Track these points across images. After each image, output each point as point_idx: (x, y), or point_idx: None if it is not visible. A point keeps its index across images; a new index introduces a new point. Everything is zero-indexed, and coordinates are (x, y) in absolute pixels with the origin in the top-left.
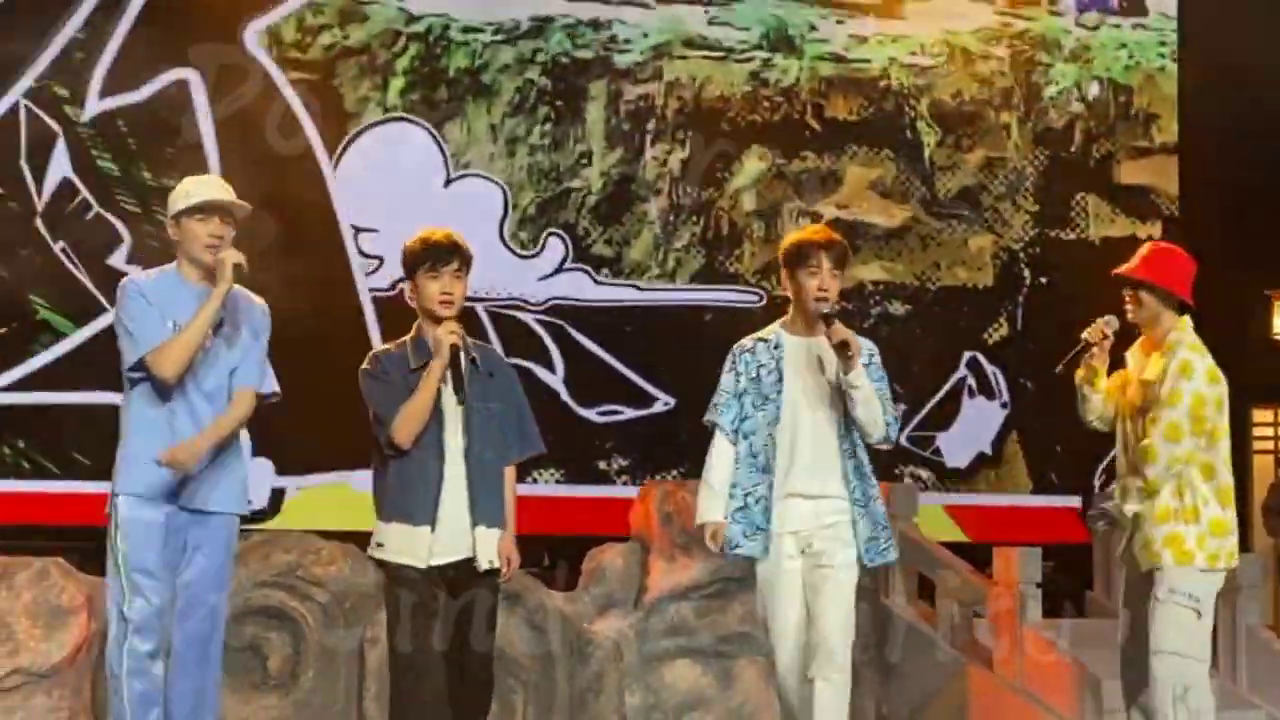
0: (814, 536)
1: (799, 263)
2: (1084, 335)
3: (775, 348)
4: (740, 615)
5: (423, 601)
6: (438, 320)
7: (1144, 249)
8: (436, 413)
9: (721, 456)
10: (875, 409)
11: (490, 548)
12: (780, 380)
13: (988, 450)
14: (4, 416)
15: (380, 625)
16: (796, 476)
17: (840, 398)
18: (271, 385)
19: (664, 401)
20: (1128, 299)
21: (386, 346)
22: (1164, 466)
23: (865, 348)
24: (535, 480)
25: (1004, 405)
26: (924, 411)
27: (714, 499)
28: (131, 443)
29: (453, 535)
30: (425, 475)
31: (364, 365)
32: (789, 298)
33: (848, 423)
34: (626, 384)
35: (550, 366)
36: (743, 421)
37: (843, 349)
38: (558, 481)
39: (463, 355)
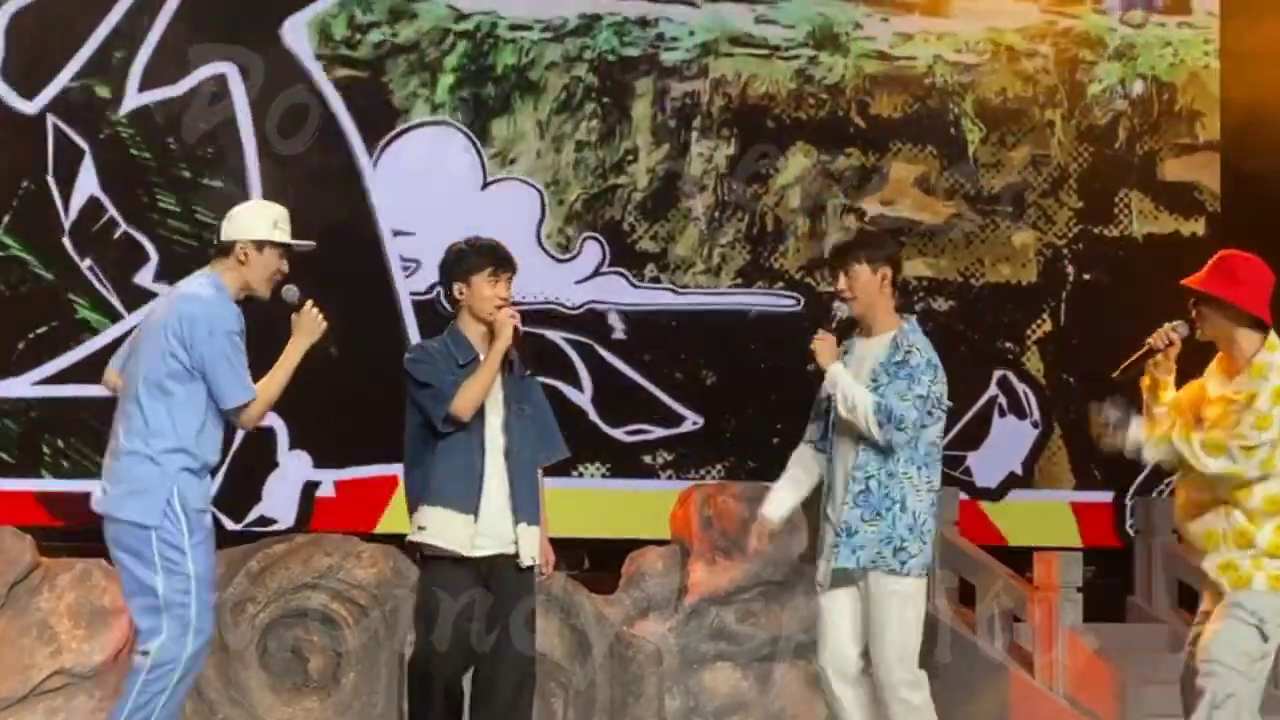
0: None
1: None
2: (1149, 340)
3: (845, 354)
4: (780, 620)
5: (457, 590)
6: (483, 322)
7: (1215, 258)
8: (479, 406)
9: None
10: (857, 413)
11: (532, 545)
12: None
13: (1018, 470)
14: (43, 414)
15: None
16: None
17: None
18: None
19: (692, 421)
20: (1194, 314)
21: (426, 342)
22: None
23: (903, 345)
24: (580, 474)
25: (1035, 425)
26: (954, 431)
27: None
28: (182, 460)
29: (495, 529)
30: (469, 466)
31: (408, 355)
32: (832, 295)
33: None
34: (656, 400)
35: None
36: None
37: (809, 356)
38: (603, 476)
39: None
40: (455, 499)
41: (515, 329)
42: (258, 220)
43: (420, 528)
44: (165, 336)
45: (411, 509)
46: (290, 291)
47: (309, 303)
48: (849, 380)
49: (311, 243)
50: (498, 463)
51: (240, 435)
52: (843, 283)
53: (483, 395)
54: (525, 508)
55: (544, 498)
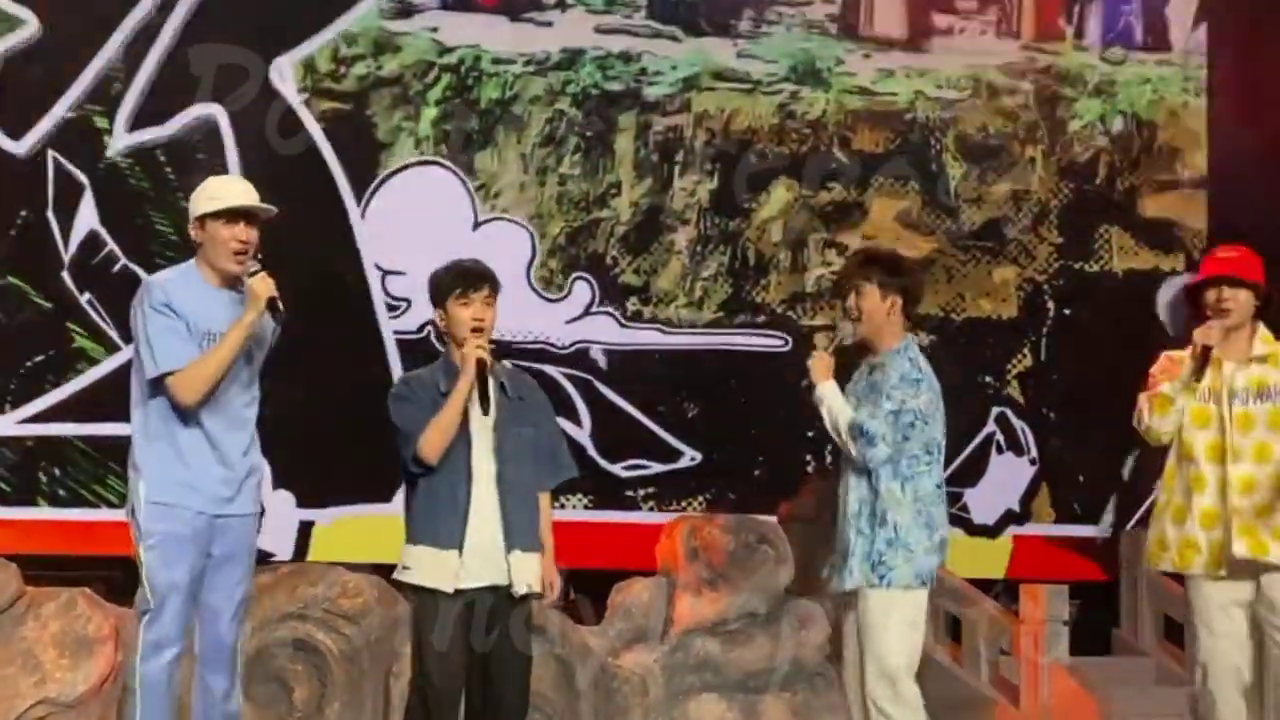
0: None
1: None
2: (1201, 340)
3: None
4: (766, 651)
5: (449, 627)
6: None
7: (1220, 251)
8: (464, 434)
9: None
10: (839, 431)
11: (527, 572)
12: None
13: (1015, 507)
14: (37, 445)
15: (406, 658)
16: None
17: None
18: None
19: (690, 456)
20: (1226, 301)
21: (417, 371)
22: None
23: (879, 366)
24: (563, 505)
25: (1033, 462)
26: (951, 468)
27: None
28: (149, 451)
29: (483, 560)
30: (453, 498)
31: (392, 390)
32: (818, 329)
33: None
34: (654, 436)
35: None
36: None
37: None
38: (585, 508)
39: (490, 374)
40: (438, 536)
41: (480, 361)
42: (196, 200)
43: (405, 567)
44: None
45: (406, 539)
46: (252, 267)
47: (260, 271)
48: (837, 400)
49: (272, 208)
50: (487, 491)
51: None
52: (852, 299)
53: (447, 435)
54: (519, 534)
55: (548, 521)
